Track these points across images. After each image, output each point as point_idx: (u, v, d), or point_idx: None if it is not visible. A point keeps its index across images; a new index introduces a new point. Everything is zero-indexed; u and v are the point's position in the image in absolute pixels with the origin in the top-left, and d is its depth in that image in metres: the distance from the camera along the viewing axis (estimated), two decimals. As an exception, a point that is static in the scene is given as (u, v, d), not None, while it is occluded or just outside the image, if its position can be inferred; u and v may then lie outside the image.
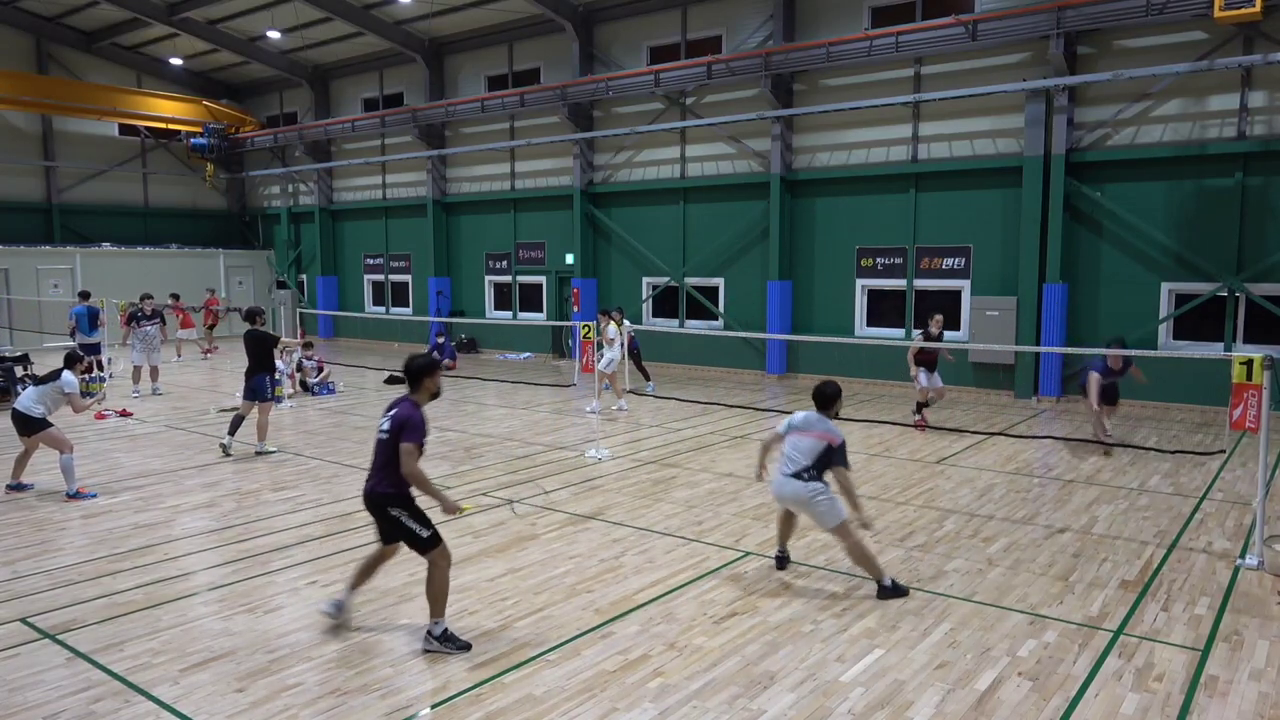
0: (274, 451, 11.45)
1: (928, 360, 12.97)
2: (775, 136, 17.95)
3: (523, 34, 22.29)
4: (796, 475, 6.50)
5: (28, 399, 9.31)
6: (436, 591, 5.61)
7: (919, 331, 14.06)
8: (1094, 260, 15.11)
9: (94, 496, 9.27)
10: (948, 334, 16.33)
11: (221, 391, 16.89)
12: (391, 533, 5.69)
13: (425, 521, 5.60)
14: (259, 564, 7.22)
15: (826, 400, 6.77)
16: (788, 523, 7.01)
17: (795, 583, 6.75)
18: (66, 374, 9.48)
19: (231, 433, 11.35)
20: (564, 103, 20.61)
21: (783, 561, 7.07)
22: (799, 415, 6.78)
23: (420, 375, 5.74)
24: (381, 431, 5.60)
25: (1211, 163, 14.01)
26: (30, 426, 9.22)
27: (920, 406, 13.21)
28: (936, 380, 13.08)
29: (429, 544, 5.57)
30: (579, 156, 21.23)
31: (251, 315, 11.87)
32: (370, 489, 5.65)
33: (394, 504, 5.55)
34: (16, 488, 9.49)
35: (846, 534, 6.50)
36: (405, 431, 5.48)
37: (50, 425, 9.30)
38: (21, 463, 9.53)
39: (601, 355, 14.42)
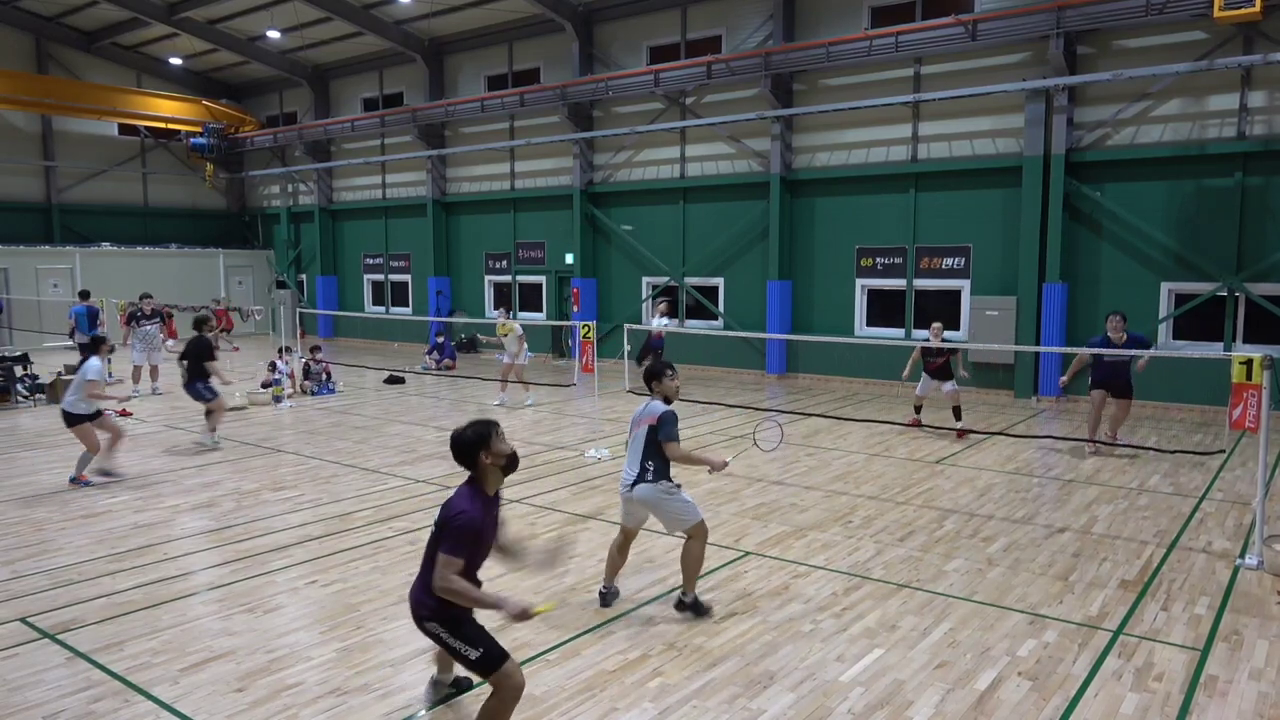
0: (218, 448, 11.60)
1: (932, 369, 12.68)
2: (775, 136, 17.95)
3: (522, 34, 22.29)
4: (640, 478, 5.94)
5: (68, 395, 9.78)
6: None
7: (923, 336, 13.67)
8: (1094, 260, 15.11)
9: (88, 484, 9.68)
10: (947, 334, 16.35)
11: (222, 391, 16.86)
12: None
13: (475, 638, 4.26)
14: (258, 564, 7.22)
15: (650, 380, 6.14)
16: (625, 550, 6.36)
17: (795, 583, 6.75)
18: (91, 360, 9.85)
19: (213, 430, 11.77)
20: (564, 103, 20.61)
21: (607, 598, 6.29)
22: (636, 410, 6.16)
23: (474, 450, 4.28)
24: (433, 524, 4.36)
25: (1211, 163, 14.00)
26: (69, 420, 9.64)
27: (918, 408, 13.17)
28: (948, 387, 12.64)
29: (484, 666, 4.22)
30: (579, 156, 21.23)
31: (199, 323, 12.04)
32: (410, 592, 4.47)
33: (428, 619, 4.31)
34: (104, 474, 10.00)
35: (700, 535, 6.00)
36: (446, 536, 4.15)
37: (85, 419, 9.63)
38: (105, 451, 9.97)
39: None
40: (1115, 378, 11.22)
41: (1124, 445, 11.49)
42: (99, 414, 9.80)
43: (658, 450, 5.90)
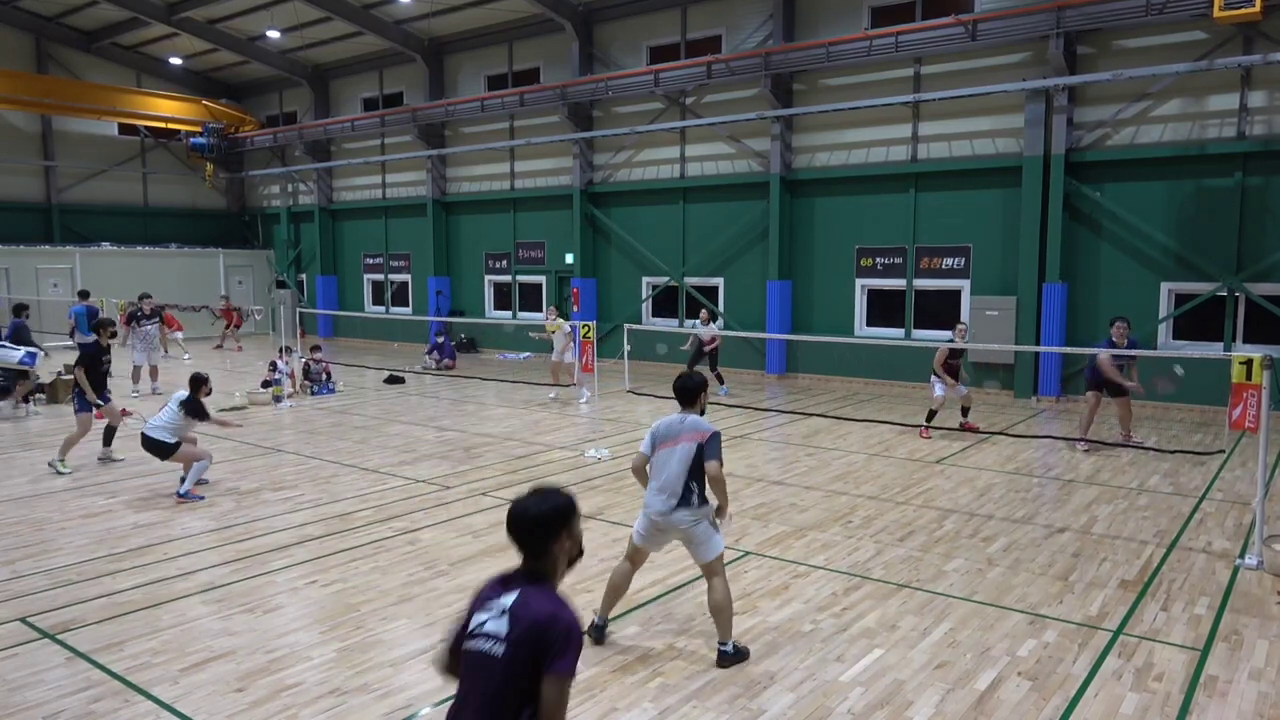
0: (68, 472, 10.33)
1: (954, 370, 12.48)
2: (775, 136, 17.95)
3: (522, 34, 22.29)
4: (684, 500, 5.36)
5: (159, 424, 9.31)
6: None
7: (947, 337, 13.35)
8: (1094, 260, 15.11)
9: (201, 499, 9.23)
10: (946, 333, 16.37)
11: (221, 391, 16.88)
12: None
13: None
14: (258, 564, 7.22)
15: (691, 395, 5.60)
16: (629, 578, 5.75)
17: (795, 583, 6.75)
18: (182, 394, 9.46)
19: (106, 444, 10.94)
20: (564, 102, 20.61)
21: (602, 632, 5.68)
22: (662, 423, 5.58)
23: (553, 531, 2.87)
24: (487, 639, 2.76)
25: (1211, 163, 14.01)
26: (161, 450, 9.25)
27: (931, 415, 12.56)
28: (961, 389, 12.59)
29: None
30: (579, 156, 21.23)
31: (95, 328, 11.30)
32: None
33: None
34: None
35: (721, 570, 5.47)
36: (568, 652, 2.67)
37: (175, 448, 9.24)
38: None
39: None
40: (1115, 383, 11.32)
41: (1136, 446, 11.54)
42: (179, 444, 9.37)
43: (702, 470, 5.36)
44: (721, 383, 16.32)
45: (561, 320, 16.01)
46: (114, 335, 11.36)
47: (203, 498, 9.24)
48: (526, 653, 2.69)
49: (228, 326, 24.97)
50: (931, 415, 12.54)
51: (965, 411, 12.86)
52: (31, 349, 13.75)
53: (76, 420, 10.64)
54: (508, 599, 2.79)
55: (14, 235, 26.34)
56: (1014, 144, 15.66)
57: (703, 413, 5.61)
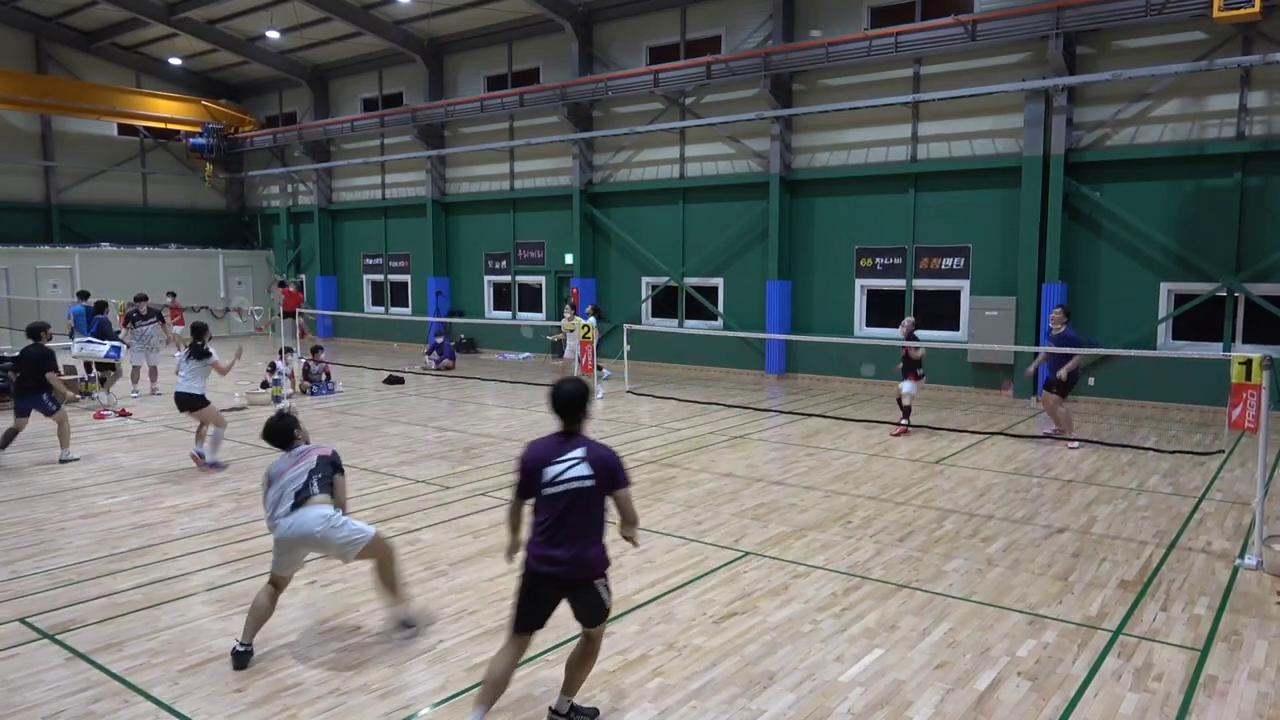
0: (77, 459, 11.00)
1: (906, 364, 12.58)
2: (774, 136, 17.95)
3: (522, 34, 22.29)
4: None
5: (184, 379, 10.50)
6: (589, 669, 4.66)
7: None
8: (1093, 260, 15.11)
9: (221, 466, 10.56)
10: (946, 334, 16.36)
11: (220, 391, 16.87)
12: (586, 612, 4.51)
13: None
14: (258, 564, 7.20)
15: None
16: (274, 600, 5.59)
17: (794, 583, 6.75)
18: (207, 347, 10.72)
19: (2, 446, 10.76)
20: (563, 103, 20.61)
21: (244, 658, 5.34)
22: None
23: (584, 400, 4.48)
24: (577, 478, 4.30)
25: (1211, 163, 14.01)
26: (189, 403, 10.47)
27: (907, 412, 12.69)
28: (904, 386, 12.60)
29: (607, 613, 4.57)
30: (578, 156, 21.23)
31: (34, 331, 11.15)
32: (574, 557, 4.33)
33: (601, 575, 4.43)
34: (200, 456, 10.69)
35: (383, 553, 5.73)
36: (623, 474, 4.40)
37: (205, 401, 10.58)
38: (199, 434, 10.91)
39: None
40: (1050, 371, 11.93)
41: (1066, 440, 11.78)
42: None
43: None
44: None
45: (580, 319, 16.19)
46: (50, 337, 11.54)
47: (225, 465, 10.48)
48: (605, 480, 4.31)
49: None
50: (907, 411, 12.77)
51: (908, 412, 12.84)
52: (115, 343, 14.66)
53: (56, 419, 10.99)
54: (578, 451, 4.34)
55: (13, 235, 26.33)
56: (1014, 144, 15.66)
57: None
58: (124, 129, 29.01)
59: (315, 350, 17.36)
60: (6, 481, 9.98)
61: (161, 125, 28.70)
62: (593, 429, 12.84)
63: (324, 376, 16.79)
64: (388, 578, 5.79)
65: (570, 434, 4.43)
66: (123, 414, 14.30)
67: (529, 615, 4.46)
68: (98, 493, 9.49)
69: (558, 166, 22.20)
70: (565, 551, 4.28)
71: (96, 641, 5.72)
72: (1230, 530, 8.07)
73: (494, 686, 4.43)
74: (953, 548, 7.59)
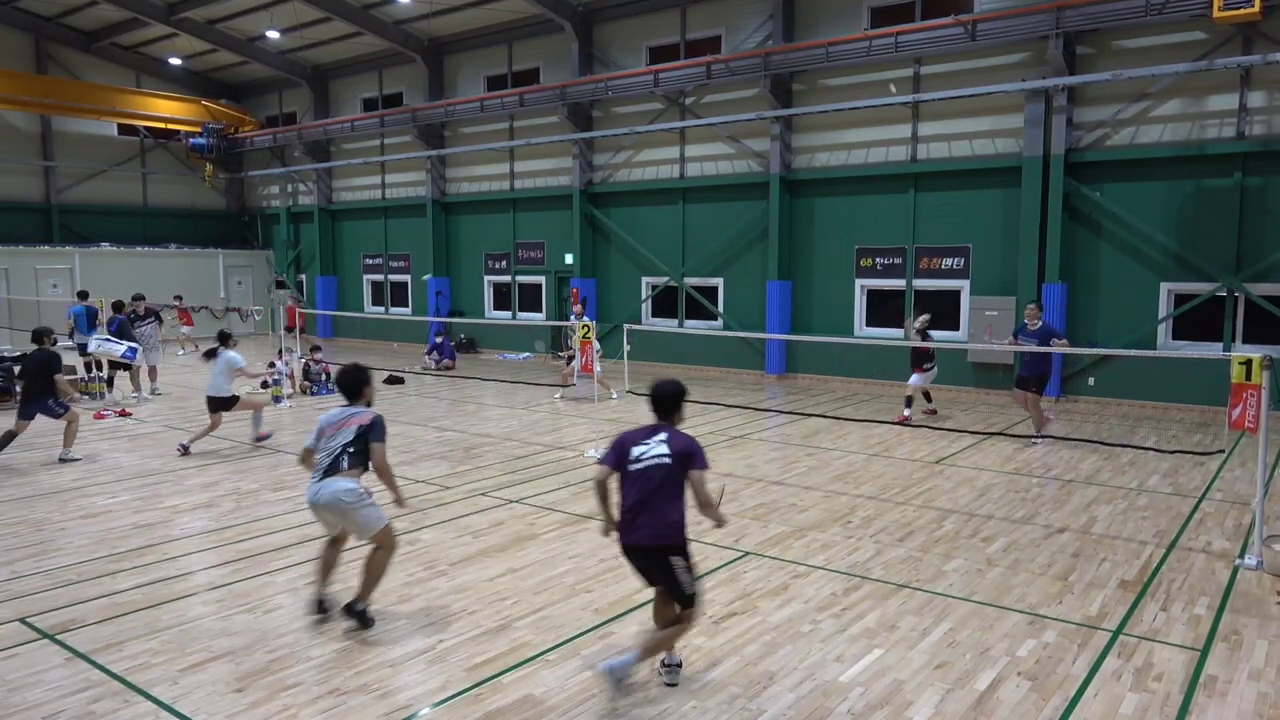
0: (78, 459, 10.96)
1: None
2: (774, 136, 17.95)
3: (522, 34, 22.29)
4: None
5: (214, 380, 11.54)
6: (674, 636, 5.03)
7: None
8: (1093, 260, 15.11)
9: (269, 437, 12.00)
10: (943, 333, 16.35)
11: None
12: (667, 587, 4.97)
13: (692, 568, 4.98)
14: (258, 564, 7.22)
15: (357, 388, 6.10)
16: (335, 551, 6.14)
17: (794, 583, 6.75)
18: (229, 353, 11.68)
19: None
20: (563, 103, 20.61)
21: (319, 606, 5.99)
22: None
23: (680, 398, 5.07)
24: (656, 457, 4.84)
25: (1211, 163, 14.01)
26: (221, 404, 11.53)
27: (910, 402, 13.55)
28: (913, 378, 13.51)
29: (693, 599, 4.96)
30: (578, 156, 21.23)
31: (39, 336, 11.20)
32: (647, 530, 4.83)
33: (678, 550, 4.88)
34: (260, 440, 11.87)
35: (386, 541, 5.92)
36: (702, 455, 4.86)
37: (232, 401, 11.64)
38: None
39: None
40: (1024, 371, 12.03)
41: (1043, 438, 11.92)
42: (236, 398, 11.70)
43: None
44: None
45: (585, 320, 16.05)
46: (55, 341, 11.60)
47: (271, 434, 12.07)
48: (681, 462, 4.81)
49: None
50: (911, 401, 13.52)
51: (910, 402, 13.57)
52: (133, 344, 15.10)
53: (66, 418, 10.94)
54: (661, 436, 4.90)
55: (13, 235, 26.34)
56: (1013, 144, 15.67)
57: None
58: (124, 129, 29.01)
59: (314, 350, 17.35)
60: (7, 481, 9.98)
61: (161, 125, 28.71)
62: (593, 429, 12.88)
63: (324, 376, 16.79)
64: (378, 568, 5.91)
65: (661, 425, 5.01)
66: (123, 414, 14.30)
67: (645, 579, 5.07)
68: (98, 493, 9.48)
69: (558, 166, 22.20)
70: (644, 520, 4.82)
71: (96, 641, 5.72)
72: (1230, 530, 8.07)
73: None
74: (953, 548, 7.59)
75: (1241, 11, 12.40)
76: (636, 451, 4.87)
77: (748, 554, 7.43)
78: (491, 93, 22.65)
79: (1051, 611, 6.17)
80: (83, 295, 17.40)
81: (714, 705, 4.89)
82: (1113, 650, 5.55)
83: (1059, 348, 11.67)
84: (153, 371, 16.55)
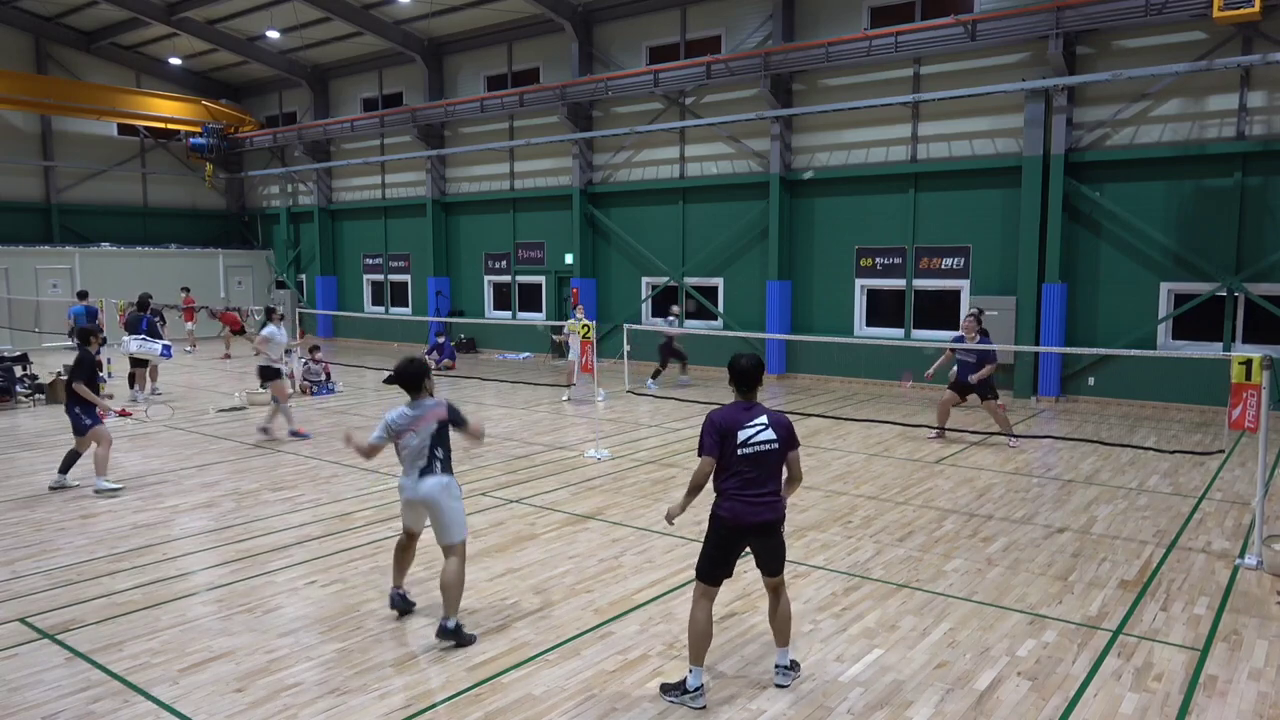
0: (119, 489, 9.52)
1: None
2: (774, 136, 17.96)
3: (522, 34, 22.29)
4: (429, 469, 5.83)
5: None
6: (788, 616, 5.21)
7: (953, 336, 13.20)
8: (1093, 260, 15.11)
9: (307, 436, 12.27)
10: (944, 333, 16.35)
11: (220, 391, 16.89)
12: (770, 556, 5.14)
13: None
14: (258, 564, 7.22)
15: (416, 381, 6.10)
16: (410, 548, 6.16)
17: (795, 583, 6.75)
18: (270, 327, 12.53)
19: (64, 470, 9.66)
20: (563, 103, 20.62)
21: (396, 601, 6.12)
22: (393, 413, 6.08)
23: (762, 372, 5.16)
24: (766, 441, 4.95)
25: (1211, 163, 14.01)
26: (270, 374, 12.33)
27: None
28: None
29: (784, 562, 5.21)
30: (578, 156, 21.24)
31: (85, 335, 9.91)
32: (762, 507, 4.99)
33: (782, 522, 5.12)
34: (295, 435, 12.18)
35: (461, 554, 5.79)
36: (795, 439, 5.12)
37: (279, 375, 12.43)
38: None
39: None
40: (962, 376, 11.85)
41: (1016, 439, 11.79)
42: (279, 373, 12.30)
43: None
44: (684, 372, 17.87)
45: (584, 320, 16.13)
46: (104, 341, 10.93)
47: (309, 436, 12.27)
48: (785, 443, 5.01)
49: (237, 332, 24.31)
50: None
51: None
52: (167, 343, 15.38)
53: (95, 436, 9.52)
54: (762, 418, 4.99)
55: (13, 235, 26.33)
56: (1013, 144, 15.67)
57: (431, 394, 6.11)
58: (124, 129, 29.01)
59: (314, 350, 17.35)
60: (6, 482, 9.98)
61: (161, 125, 28.70)
62: (592, 429, 12.87)
63: (324, 376, 16.79)
64: (455, 579, 5.70)
65: (751, 403, 5.04)
66: (123, 414, 14.19)
67: (721, 564, 5.06)
68: (97, 493, 9.47)
69: (558, 166, 22.20)
70: (767, 499, 4.97)
71: (96, 641, 5.72)
72: (1230, 530, 8.07)
73: (704, 638, 4.95)
74: (953, 548, 7.59)
75: (1241, 11, 12.40)
76: (744, 435, 4.91)
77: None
78: (491, 93, 22.66)
79: (1051, 611, 6.17)
80: (82, 295, 17.41)
81: (714, 705, 4.89)
82: (1113, 650, 5.55)
83: (985, 371, 11.50)
84: (153, 371, 16.54)
